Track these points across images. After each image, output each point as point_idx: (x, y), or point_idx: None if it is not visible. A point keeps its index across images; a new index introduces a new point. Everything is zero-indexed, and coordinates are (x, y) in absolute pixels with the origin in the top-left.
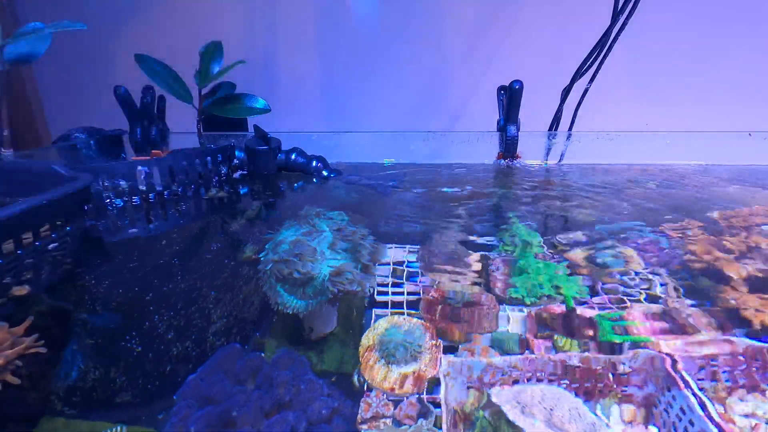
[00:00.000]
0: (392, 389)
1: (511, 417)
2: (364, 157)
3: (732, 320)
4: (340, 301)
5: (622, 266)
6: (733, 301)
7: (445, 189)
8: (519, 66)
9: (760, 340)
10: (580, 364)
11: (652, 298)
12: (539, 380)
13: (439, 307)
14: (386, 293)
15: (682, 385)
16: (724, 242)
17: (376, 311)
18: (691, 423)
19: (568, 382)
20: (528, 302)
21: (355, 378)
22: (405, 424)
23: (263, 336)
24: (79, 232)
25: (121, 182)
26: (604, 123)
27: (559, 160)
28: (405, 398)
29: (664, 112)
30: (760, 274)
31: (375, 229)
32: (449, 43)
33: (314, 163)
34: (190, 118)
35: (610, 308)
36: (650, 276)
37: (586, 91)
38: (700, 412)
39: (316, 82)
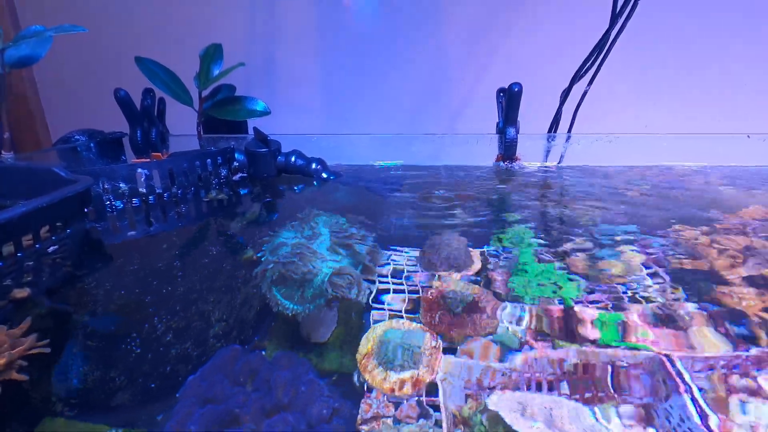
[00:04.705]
0: (391, 390)
1: (509, 420)
2: (364, 159)
3: (731, 321)
4: (339, 303)
5: (621, 267)
6: (732, 302)
7: (444, 191)
8: (518, 68)
9: (759, 341)
10: (579, 364)
11: (651, 299)
12: (538, 382)
13: (439, 308)
14: (386, 294)
15: (681, 386)
16: (724, 243)
17: (374, 313)
18: (690, 423)
19: (567, 384)
20: (527, 303)
21: (355, 378)
22: (405, 423)
23: (262, 339)
24: (79, 234)
25: (121, 185)
26: (603, 125)
27: (559, 162)
28: (405, 400)
29: (663, 114)
30: (759, 275)
31: (374, 231)
32: (449, 44)
33: (314, 165)
34: (190, 121)
35: (609, 309)
36: (649, 277)
37: (585, 93)
38: (698, 414)
39: (315, 84)
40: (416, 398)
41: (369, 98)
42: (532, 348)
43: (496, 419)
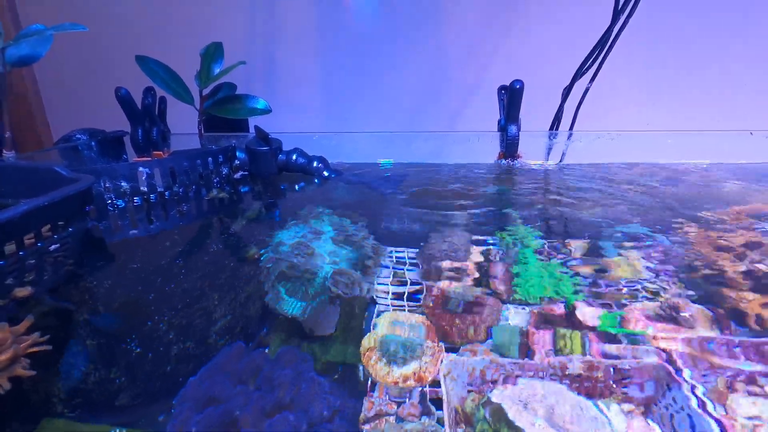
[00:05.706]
0: (395, 383)
1: (511, 415)
2: (365, 158)
3: (732, 318)
4: (341, 301)
5: (623, 265)
6: (733, 300)
7: (445, 189)
8: (519, 65)
9: (760, 338)
10: (581, 365)
11: (653, 297)
12: (540, 379)
13: (441, 307)
14: (387, 294)
15: (683, 383)
16: (725, 240)
17: (376, 311)
18: (691, 421)
19: (568, 383)
20: (529, 302)
21: (359, 374)
22: (408, 421)
23: (266, 335)
24: (80, 233)
25: (122, 183)
26: (605, 122)
27: (560, 160)
28: (408, 393)
29: (666, 112)
30: (760, 273)
31: (375, 230)
32: (449, 42)
33: (315, 164)
34: (191, 120)
35: (611, 307)
36: (651, 275)
37: (586, 90)
38: (700, 411)
39: (316, 82)
40: (420, 390)
41: (369, 98)
42: (533, 347)
43: (499, 413)
